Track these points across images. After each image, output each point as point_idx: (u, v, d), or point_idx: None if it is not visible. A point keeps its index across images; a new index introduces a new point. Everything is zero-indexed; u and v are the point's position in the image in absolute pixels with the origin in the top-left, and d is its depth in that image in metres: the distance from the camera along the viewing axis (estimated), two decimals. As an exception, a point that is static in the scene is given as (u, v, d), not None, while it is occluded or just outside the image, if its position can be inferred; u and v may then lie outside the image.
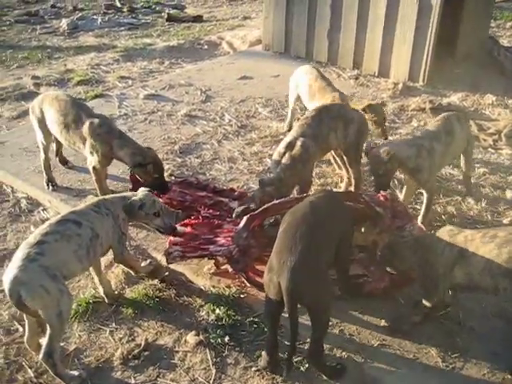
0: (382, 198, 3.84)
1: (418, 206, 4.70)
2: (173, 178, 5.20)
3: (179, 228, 4.01)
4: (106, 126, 4.51)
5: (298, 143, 4.26)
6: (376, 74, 7.67)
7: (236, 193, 4.60)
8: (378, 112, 4.99)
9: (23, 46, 10.30)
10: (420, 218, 4.37)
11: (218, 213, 4.32)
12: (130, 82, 7.90)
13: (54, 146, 5.24)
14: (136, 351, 3.53)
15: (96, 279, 3.90)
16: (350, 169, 4.74)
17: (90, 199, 4.04)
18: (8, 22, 11.84)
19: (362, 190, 4.78)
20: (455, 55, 8.08)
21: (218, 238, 3.93)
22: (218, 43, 9.91)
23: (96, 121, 4.48)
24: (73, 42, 10.39)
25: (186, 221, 4.12)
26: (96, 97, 7.24)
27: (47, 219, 4.81)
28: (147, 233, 4.48)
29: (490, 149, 5.80)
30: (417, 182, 4.36)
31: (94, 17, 11.83)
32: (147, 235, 4.47)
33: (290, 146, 4.27)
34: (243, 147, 5.89)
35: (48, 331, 3.19)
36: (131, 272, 4.07)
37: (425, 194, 4.38)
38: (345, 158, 4.69)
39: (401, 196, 4.62)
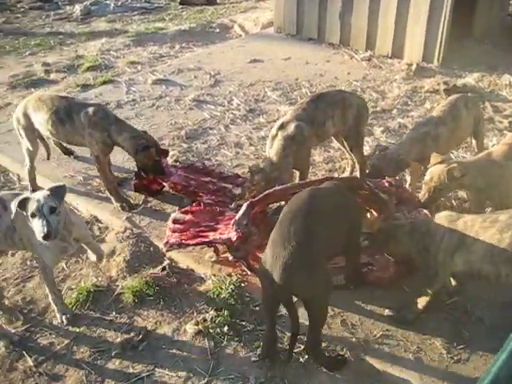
0: (386, 184, 3.72)
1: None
2: (178, 163, 5.15)
3: (179, 215, 3.95)
4: (101, 113, 4.41)
5: (292, 124, 4.09)
6: (389, 55, 7.46)
7: (241, 179, 4.52)
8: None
9: (36, 33, 10.27)
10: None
11: (220, 199, 4.25)
12: (139, 67, 7.82)
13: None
14: (135, 340, 3.49)
15: None
16: (352, 154, 4.60)
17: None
18: (22, 9, 11.83)
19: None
20: (472, 35, 7.81)
21: (218, 226, 3.86)
22: (229, 26, 9.76)
23: (90, 109, 4.39)
24: (85, 28, 10.33)
25: (187, 208, 4.05)
26: (104, 83, 7.17)
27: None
28: (150, 220, 4.43)
29: (505, 131, 5.58)
30: None
31: (107, 2, 11.73)
32: (150, 222, 4.41)
33: (282, 127, 4.12)
34: (250, 132, 5.78)
35: None
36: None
37: None
38: (345, 143, 4.55)
39: (407, 181, 4.48)
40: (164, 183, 4.51)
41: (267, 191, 3.72)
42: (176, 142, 5.60)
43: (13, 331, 3.61)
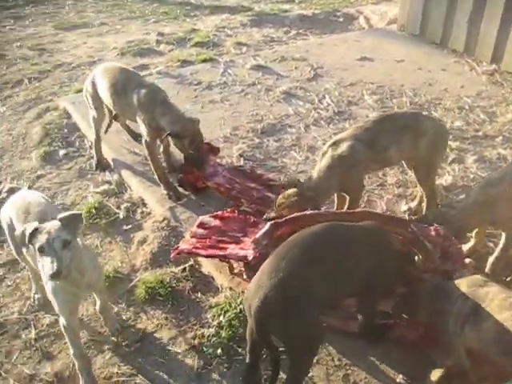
0: (433, 233, 3.19)
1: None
2: (242, 159, 4.94)
3: (208, 219, 3.74)
4: (151, 95, 4.26)
5: (346, 143, 3.66)
6: (517, 73, 6.52)
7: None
8: None
9: (168, 1, 10.53)
10: (490, 263, 3.60)
11: (260, 208, 3.97)
12: (244, 49, 7.65)
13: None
14: (130, 340, 3.39)
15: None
16: (420, 186, 4.04)
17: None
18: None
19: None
20: None
21: (245, 238, 3.59)
22: (355, 17, 9.20)
23: (142, 91, 4.27)
24: (214, 1, 10.37)
25: (218, 212, 3.83)
26: (204, 61, 7.11)
27: (108, 182, 4.86)
28: (190, 214, 4.26)
29: None
30: None
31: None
32: (189, 217, 4.25)
33: (335, 144, 3.70)
34: (330, 136, 5.35)
35: None
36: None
37: (503, 234, 3.59)
38: (414, 173, 4.00)
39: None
40: (208, 183, 4.30)
41: (296, 214, 3.37)
42: (249, 135, 5.36)
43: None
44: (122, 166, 4.97)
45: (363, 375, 3.06)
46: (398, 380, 3.00)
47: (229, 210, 3.87)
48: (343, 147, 3.63)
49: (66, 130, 5.73)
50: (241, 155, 4.98)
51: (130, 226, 4.35)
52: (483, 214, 3.40)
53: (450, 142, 5.13)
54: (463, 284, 2.67)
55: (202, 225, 3.68)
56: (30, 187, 4.79)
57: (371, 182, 4.64)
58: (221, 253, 3.42)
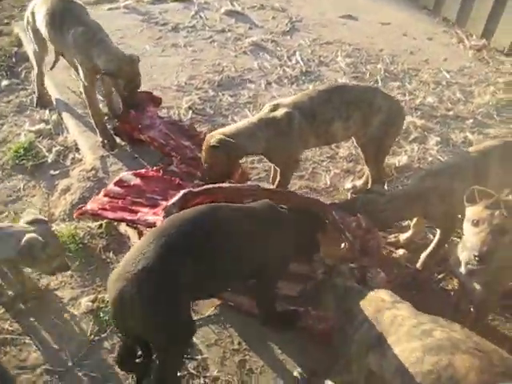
0: (353, 224, 2.95)
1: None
2: (190, 111, 4.64)
3: (128, 176, 3.49)
4: (89, 35, 3.88)
5: (284, 109, 3.34)
6: (505, 51, 6.12)
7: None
8: None
9: None
10: (422, 258, 3.40)
11: (190, 170, 3.71)
12: (224, -9, 7.16)
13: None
14: (28, 295, 3.19)
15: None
16: (367, 166, 3.77)
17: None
18: None
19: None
20: None
21: (163, 203, 3.33)
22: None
23: (79, 29, 3.88)
24: None
25: (142, 170, 3.57)
26: (177, 0, 6.64)
27: (46, 121, 4.57)
28: (121, 166, 4.01)
29: None
30: None
31: None
32: (119, 169, 3.99)
33: (274, 107, 3.38)
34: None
35: None
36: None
37: (438, 230, 3.36)
38: (361, 152, 3.72)
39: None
40: (142, 135, 4.00)
41: (213, 185, 3.11)
42: (204, 87, 5.03)
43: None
44: (64, 106, 4.67)
45: (260, 363, 2.88)
46: (294, 373, 2.81)
47: (155, 168, 3.61)
48: (280, 113, 3.33)
49: (13, 60, 5.37)
50: (190, 107, 4.67)
51: (57, 172, 4.10)
52: (414, 207, 3.16)
53: (415, 120, 4.87)
54: (369, 305, 2.43)
55: (120, 182, 3.43)
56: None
57: (321, 153, 4.38)
58: (129, 217, 3.17)
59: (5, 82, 5.03)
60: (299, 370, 2.81)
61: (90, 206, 3.26)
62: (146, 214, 3.18)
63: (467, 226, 2.48)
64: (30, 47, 4.54)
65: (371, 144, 3.56)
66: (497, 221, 2.38)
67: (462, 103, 5.24)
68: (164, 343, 2.31)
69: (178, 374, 2.66)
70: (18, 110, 4.72)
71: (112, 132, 4.19)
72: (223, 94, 4.95)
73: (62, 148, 4.27)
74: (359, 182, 4.04)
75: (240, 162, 3.75)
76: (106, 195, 3.33)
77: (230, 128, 3.36)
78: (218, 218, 2.48)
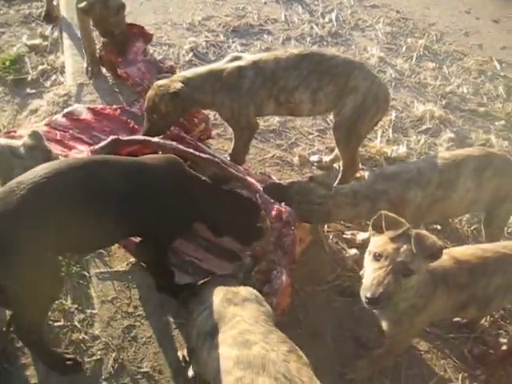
0: (273, 213, 2.63)
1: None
2: (191, 54, 4.36)
3: (80, 109, 3.31)
4: None
5: (237, 64, 3.01)
6: None
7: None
8: None
9: None
10: None
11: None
12: None
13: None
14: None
15: None
16: (338, 150, 3.38)
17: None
18: None
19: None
20: None
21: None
22: None
23: None
24: None
25: (97, 106, 3.38)
26: None
27: (46, 37, 4.45)
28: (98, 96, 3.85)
29: None
30: None
31: None
32: (96, 99, 3.83)
33: (232, 60, 3.06)
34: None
35: None
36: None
37: None
38: (332, 133, 3.30)
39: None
40: (119, 70, 3.77)
41: (141, 137, 2.89)
42: (217, 30, 4.70)
43: None
44: (66, 25, 4.49)
45: (149, 333, 2.69)
46: (178, 353, 2.64)
47: (114, 106, 3.41)
48: (231, 65, 3.00)
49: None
50: (192, 49, 4.39)
51: (33, 91, 4.00)
52: (358, 210, 2.77)
53: (434, 108, 4.35)
54: (220, 293, 2.15)
55: (69, 114, 3.26)
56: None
57: (312, 125, 4.02)
58: (60, 151, 3.00)
59: (21, -10, 4.93)
60: (181, 354, 2.61)
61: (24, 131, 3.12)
62: (80, 152, 3.02)
63: (367, 259, 2.11)
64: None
65: (342, 126, 3.15)
66: (402, 258, 2.01)
67: (500, 101, 4.63)
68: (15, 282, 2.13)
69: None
70: (23, 21, 4.62)
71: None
72: (233, 42, 4.61)
73: (48, 67, 4.15)
74: (327, 158, 3.68)
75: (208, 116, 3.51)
76: (47, 125, 3.18)
77: (179, 76, 3.08)
78: (89, 174, 2.23)
